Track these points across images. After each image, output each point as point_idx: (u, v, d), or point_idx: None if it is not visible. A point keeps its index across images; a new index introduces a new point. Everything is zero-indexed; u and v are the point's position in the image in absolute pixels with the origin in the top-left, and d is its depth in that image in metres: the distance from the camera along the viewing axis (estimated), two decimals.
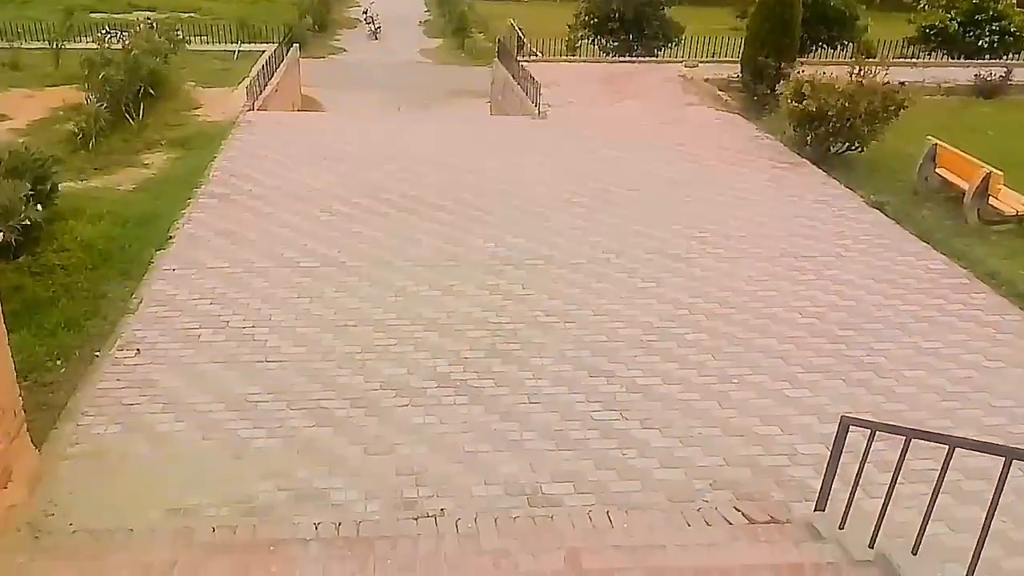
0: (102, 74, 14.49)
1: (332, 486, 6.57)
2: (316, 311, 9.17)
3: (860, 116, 14.68)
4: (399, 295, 9.62)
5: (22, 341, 8.10)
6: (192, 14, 30.18)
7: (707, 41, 23.97)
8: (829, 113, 14.66)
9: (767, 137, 16.51)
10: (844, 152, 15.33)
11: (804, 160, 15.16)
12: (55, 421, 7.20)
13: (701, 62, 22.32)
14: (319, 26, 33.76)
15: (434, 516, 6.29)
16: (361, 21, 36.39)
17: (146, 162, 13.72)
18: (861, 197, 13.44)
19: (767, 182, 13.94)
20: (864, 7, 24.20)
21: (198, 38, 22.74)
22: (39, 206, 9.31)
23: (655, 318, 9.44)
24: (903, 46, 25.06)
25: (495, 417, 7.57)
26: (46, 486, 6.35)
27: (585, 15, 23.25)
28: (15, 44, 19.61)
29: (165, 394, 7.61)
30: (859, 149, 15.25)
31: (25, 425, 6.38)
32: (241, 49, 21.84)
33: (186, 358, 8.18)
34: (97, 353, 8.22)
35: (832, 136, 15.05)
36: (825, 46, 23.89)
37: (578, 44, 24.75)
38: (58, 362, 8.06)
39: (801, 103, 14.82)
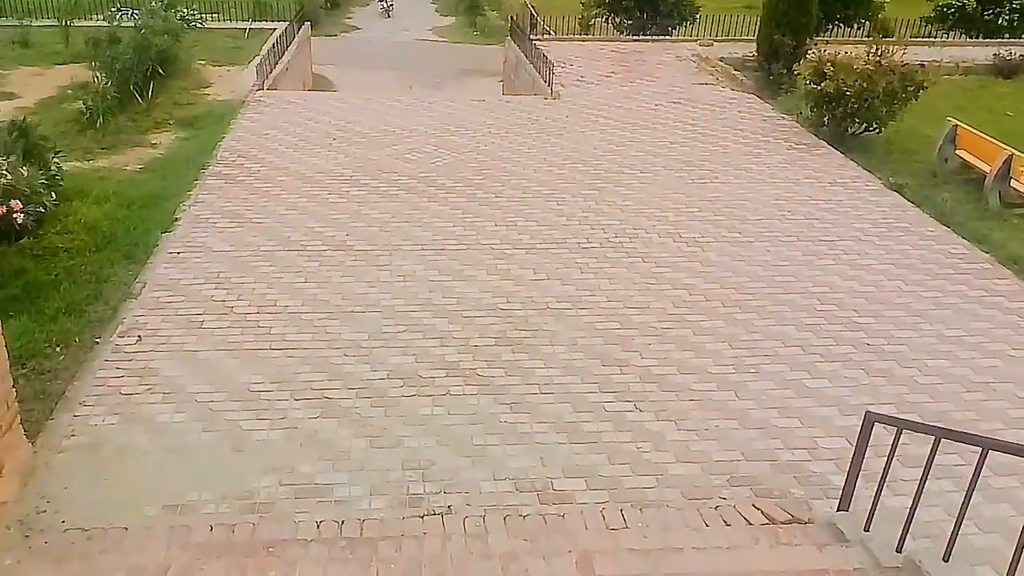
0: (109, 52, 14.08)
1: (336, 481, 6.26)
2: (322, 296, 8.84)
3: (878, 96, 14.23)
4: (408, 280, 9.28)
5: (22, 327, 7.86)
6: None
7: (721, 19, 23.45)
8: (847, 93, 14.20)
9: (783, 118, 16.03)
10: (862, 133, 14.87)
11: (821, 142, 14.68)
12: (52, 411, 6.91)
13: (716, 41, 21.79)
14: (332, 4, 33.27)
15: (441, 514, 5.98)
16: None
17: (154, 142, 13.39)
18: (879, 179, 12.99)
19: (783, 164, 13.50)
20: None
21: (209, 16, 22.30)
22: (53, 193, 9.01)
23: (669, 304, 9.08)
24: (920, 25, 24.42)
25: (505, 408, 7.24)
26: (39, 480, 6.06)
27: None
28: (24, 21, 19.23)
29: (165, 383, 7.31)
30: (877, 130, 14.79)
31: (19, 417, 6.10)
32: (252, 27, 21.42)
33: (188, 345, 7.87)
34: (98, 340, 7.93)
35: (850, 117, 14.58)
36: (841, 25, 23.31)
37: (591, 22, 24.21)
38: (57, 349, 7.76)
39: (820, 83, 14.34)
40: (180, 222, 10.37)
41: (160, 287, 8.86)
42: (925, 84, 14.19)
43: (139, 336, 7.95)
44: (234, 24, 22.13)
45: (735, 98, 17.21)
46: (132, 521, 5.72)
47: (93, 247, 9.54)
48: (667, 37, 22.44)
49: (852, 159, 13.88)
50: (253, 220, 10.51)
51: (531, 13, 26.29)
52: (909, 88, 14.31)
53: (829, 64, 14.45)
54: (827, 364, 8.18)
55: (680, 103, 16.57)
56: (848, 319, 8.97)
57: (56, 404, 7.01)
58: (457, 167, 12.61)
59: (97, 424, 6.79)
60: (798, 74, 17.63)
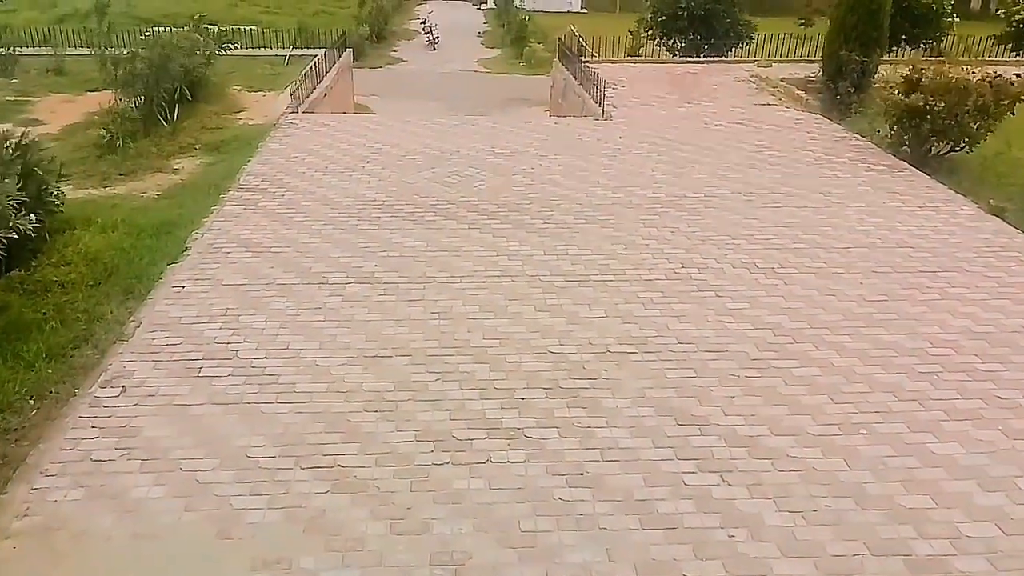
0: (124, 70, 12.85)
1: None
2: (343, 338, 7.38)
3: (968, 111, 12.53)
4: (443, 318, 7.79)
5: None
6: (252, 27, 28.93)
7: (777, 41, 21.87)
8: (934, 108, 12.51)
9: (856, 138, 14.34)
10: (947, 154, 13.16)
11: (902, 162, 12.99)
12: (6, 482, 5.50)
13: (774, 62, 20.20)
14: (377, 36, 32.32)
15: None
16: (419, 32, 34.99)
17: (176, 167, 12.13)
18: (976, 203, 11.26)
19: (863, 186, 11.82)
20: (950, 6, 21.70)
21: (250, 48, 21.30)
22: (32, 215, 7.66)
23: (752, 348, 7.47)
24: (990, 43, 22.59)
25: (559, 481, 5.68)
26: None
27: (652, 14, 21.23)
28: (59, 50, 18.28)
29: (147, 446, 5.86)
30: (965, 149, 13.06)
31: None
32: (292, 53, 20.32)
33: (180, 398, 6.42)
34: (77, 391, 6.53)
35: (935, 135, 12.89)
36: (906, 46, 21.56)
37: (642, 46, 22.78)
38: (31, 401, 6.39)
39: (908, 96, 12.64)
40: (189, 252, 9.01)
41: (157, 327, 7.46)
42: (1022, 97, 12.45)
43: (123, 387, 6.54)
44: (276, 52, 21.06)
45: (801, 118, 15.56)
46: None
47: (91, 281, 8.21)
48: (722, 59, 20.88)
49: (940, 181, 12.16)
50: (271, 249, 9.11)
51: (579, 40, 24.94)
52: (1003, 102, 12.59)
53: (921, 73, 12.79)
54: (953, 423, 6.50)
55: (742, 124, 14.97)
56: (969, 366, 7.26)
57: (14, 473, 5.62)
58: (501, 191, 11.14)
59: (57, 500, 5.36)
60: (867, 92, 16.08)
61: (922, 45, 21.38)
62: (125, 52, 13.22)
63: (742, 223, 10.31)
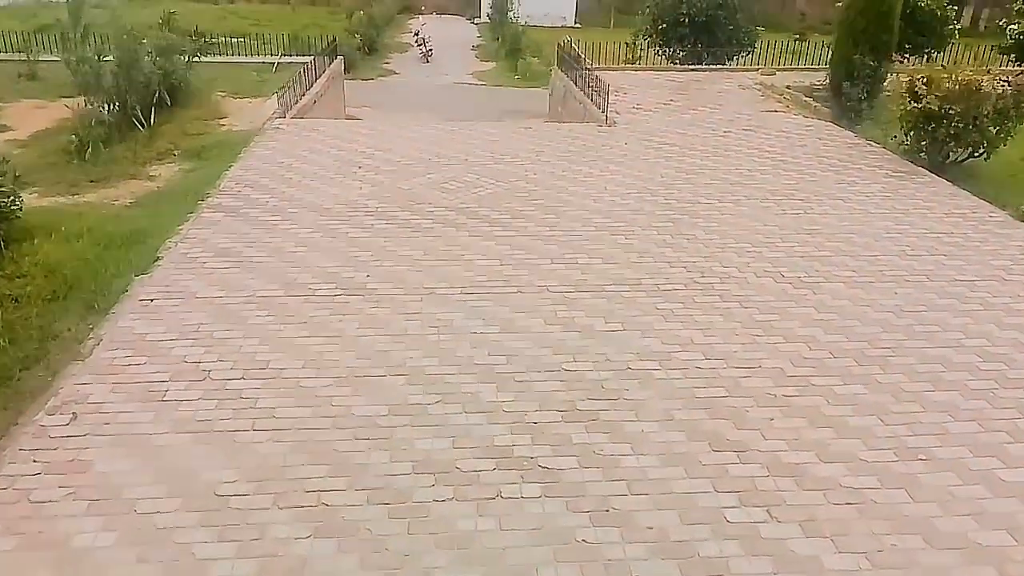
0: (91, 70, 11.97)
1: None
2: (331, 355, 6.52)
3: (987, 115, 11.82)
4: (443, 332, 6.95)
5: None
6: (242, 39, 28.14)
7: (778, 49, 21.24)
8: (950, 111, 11.81)
9: (870, 144, 13.60)
10: (964, 160, 12.44)
11: (920, 169, 12.25)
12: None
13: (778, 70, 19.52)
14: (369, 49, 31.54)
15: None
16: (412, 45, 34.25)
17: (153, 174, 11.28)
18: (1003, 209, 10.52)
19: (884, 193, 11.06)
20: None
21: (237, 55, 20.54)
22: None
23: (787, 363, 6.65)
24: (991, 53, 21.97)
25: (582, 519, 4.84)
26: None
27: (652, 21, 20.52)
28: (32, 56, 17.38)
29: (97, 484, 4.99)
30: (984, 155, 12.33)
31: None
32: (281, 61, 19.52)
33: (140, 426, 5.56)
34: (19, 419, 5.66)
35: (953, 139, 12.17)
36: (908, 55, 20.90)
37: (638, 57, 22.08)
38: None
39: (920, 100, 11.94)
40: (161, 262, 8.15)
41: (119, 344, 6.58)
42: None
43: (74, 413, 5.66)
44: (264, 59, 20.26)
45: (811, 125, 14.82)
46: None
47: (48, 294, 7.35)
48: (723, 67, 20.17)
49: (962, 188, 11.42)
50: (252, 259, 8.26)
51: (575, 51, 24.23)
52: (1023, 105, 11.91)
53: (921, 80, 12.11)
54: (1019, 446, 5.71)
55: (751, 130, 14.21)
56: None
57: None
58: (503, 197, 10.32)
59: None
60: (877, 98, 15.40)
61: (925, 54, 20.74)
62: (90, 53, 12.31)
63: (762, 230, 9.53)
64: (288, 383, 6.11)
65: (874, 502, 5.08)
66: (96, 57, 12.11)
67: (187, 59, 14.53)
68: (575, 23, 45.69)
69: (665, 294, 7.82)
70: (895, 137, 13.01)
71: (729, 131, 14.06)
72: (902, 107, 12.48)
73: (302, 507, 4.85)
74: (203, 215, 9.39)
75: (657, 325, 7.20)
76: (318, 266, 8.13)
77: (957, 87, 11.76)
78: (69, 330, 6.85)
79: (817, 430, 5.80)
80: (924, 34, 20.23)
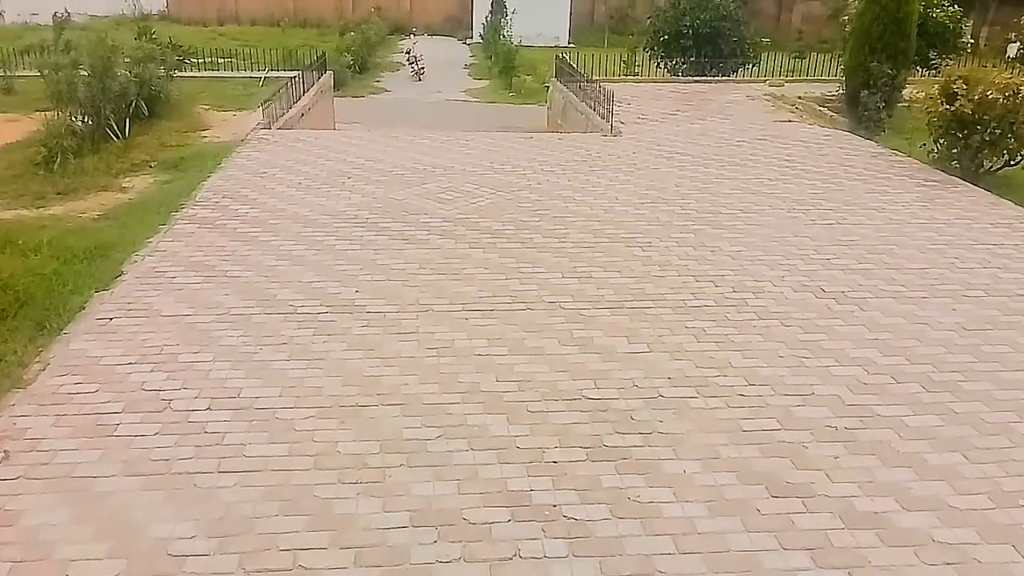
0: (63, 78, 11.07)
1: None
2: (312, 381, 5.59)
3: None
4: (443, 355, 6.03)
5: None
6: (231, 59, 27.35)
7: (779, 63, 20.56)
8: (985, 117, 11.01)
9: (894, 153, 12.79)
10: (1000, 169, 11.63)
11: (953, 178, 11.42)
12: None
13: (786, 81, 18.78)
14: (360, 67, 30.81)
15: None
16: (404, 64, 33.55)
17: (125, 185, 10.35)
18: None
19: (921, 203, 10.20)
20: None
21: (223, 70, 19.72)
22: None
23: (844, 390, 5.74)
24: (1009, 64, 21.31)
25: None
26: None
27: (653, 33, 19.77)
28: (9, 70, 16.48)
29: (23, 541, 4.03)
30: (1021, 163, 11.54)
31: None
32: (268, 75, 18.67)
33: (83, 467, 4.60)
34: None
35: (988, 147, 11.36)
36: (919, 67, 20.20)
37: (637, 68, 21.32)
38: None
39: (954, 102, 11.14)
40: (124, 278, 7.22)
41: (68, 369, 5.63)
42: None
43: (6, 452, 4.70)
44: (251, 74, 19.42)
45: (829, 135, 14.01)
46: None
47: None
48: (728, 79, 19.40)
49: (1003, 197, 10.59)
50: (228, 273, 7.34)
51: (570, 65, 23.51)
52: None
53: (959, 81, 11.32)
54: None
55: (767, 139, 13.39)
56: None
57: None
58: (505, 207, 9.44)
59: None
60: (890, 110, 14.64)
61: (935, 68, 20.02)
62: (65, 61, 11.42)
63: (792, 241, 8.65)
64: (262, 415, 5.17)
65: (977, 561, 4.14)
66: (71, 66, 11.21)
67: (167, 70, 13.62)
68: (569, 43, 45.15)
69: (693, 311, 6.91)
70: (923, 145, 12.18)
71: (743, 141, 13.23)
72: (932, 111, 11.68)
73: (274, 570, 3.90)
74: (175, 227, 8.47)
75: (688, 346, 6.29)
76: (300, 281, 7.21)
77: (993, 91, 10.98)
78: (15, 353, 5.89)
79: (892, 470, 4.87)
80: (935, 46, 19.56)
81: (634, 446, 4.98)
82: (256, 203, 9.28)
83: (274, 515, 4.27)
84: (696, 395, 5.59)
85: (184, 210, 9.00)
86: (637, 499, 4.51)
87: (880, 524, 4.40)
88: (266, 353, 5.95)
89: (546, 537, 4.20)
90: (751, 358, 6.14)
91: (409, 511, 4.35)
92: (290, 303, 6.78)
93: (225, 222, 8.64)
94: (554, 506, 4.43)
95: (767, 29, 20.40)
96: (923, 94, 12.15)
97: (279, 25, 40.99)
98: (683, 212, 9.49)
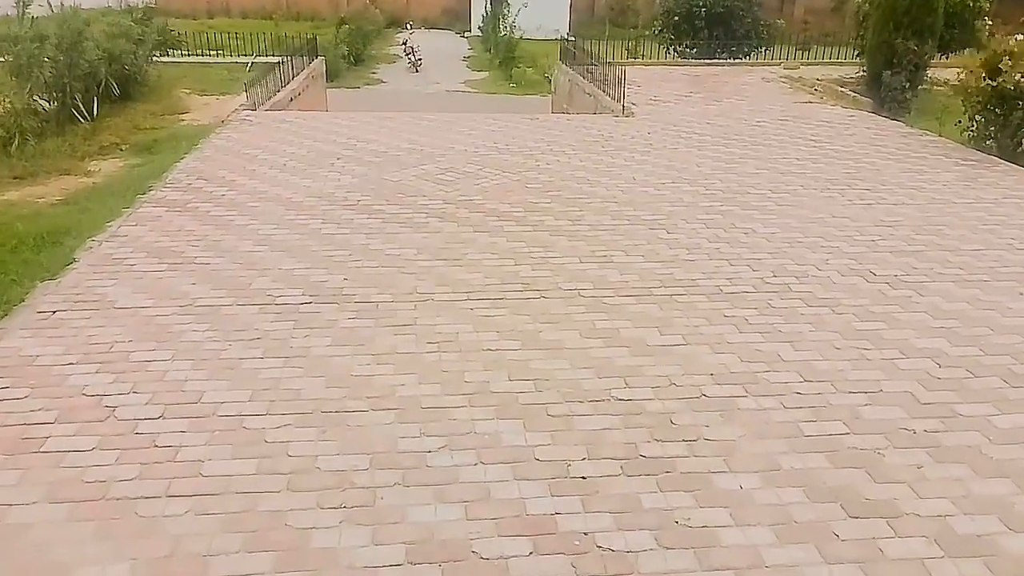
0: (25, 51, 10.13)
1: None
2: (290, 383, 4.72)
3: None
4: (445, 350, 5.16)
5: None
6: (219, 51, 26.46)
7: (791, 51, 19.71)
8: None
9: (925, 133, 11.93)
10: None
11: (991, 157, 10.56)
12: None
13: (802, 64, 17.93)
14: (355, 58, 29.94)
15: None
16: (401, 56, 32.69)
17: (91, 169, 9.46)
18: None
19: (963, 182, 9.34)
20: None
21: (208, 55, 18.81)
22: None
23: (915, 386, 4.88)
24: None
25: None
26: None
27: (664, 13, 18.89)
28: None
29: None
30: None
31: None
32: (256, 60, 17.76)
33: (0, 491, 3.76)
34: None
35: None
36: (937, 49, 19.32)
37: (641, 51, 20.45)
38: None
39: (997, 77, 10.30)
40: (76, 265, 6.35)
41: None
42: None
43: None
44: (238, 59, 18.52)
45: (853, 115, 13.13)
46: None
47: None
48: (742, 62, 18.52)
49: None
50: (196, 259, 6.46)
51: (576, 47, 22.64)
52: None
53: (1006, 53, 10.49)
54: None
55: (788, 120, 12.52)
56: None
57: None
58: (512, 189, 8.56)
59: None
60: (914, 90, 13.81)
61: (951, 51, 19.12)
62: (25, 32, 10.49)
63: (831, 222, 7.79)
64: (226, 423, 4.29)
65: None
66: (34, 39, 10.27)
67: (145, 50, 12.70)
68: (569, 35, 44.34)
69: (731, 298, 6.05)
70: (958, 122, 11.34)
71: (763, 121, 12.36)
72: (971, 86, 10.84)
73: None
74: (141, 210, 7.58)
75: (730, 337, 5.43)
76: (280, 268, 6.33)
77: None
78: None
79: (987, 482, 4.01)
80: (953, 26, 18.68)
81: (678, 456, 4.12)
82: (234, 185, 8.40)
83: (235, 551, 3.41)
84: (745, 394, 4.72)
85: (152, 192, 8.12)
86: (687, 523, 3.65)
87: (986, 550, 3.54)
88: (236, 350, 5.08)
89: (577, 574, 3.35)
90: (804, 350, 5.27)
91: (405, 543, 3.48)
92: (267, 292, 5.91)
93: (197, 205, 7.76)
94: (585, 534, 3.57)
95: (770, 21, 19.48)
96: (963, 68, 11.31)
97: (272, 18, 40.10)
98: (708, 192, 8.63)
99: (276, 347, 5.14)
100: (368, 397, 4.59)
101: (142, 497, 3.73)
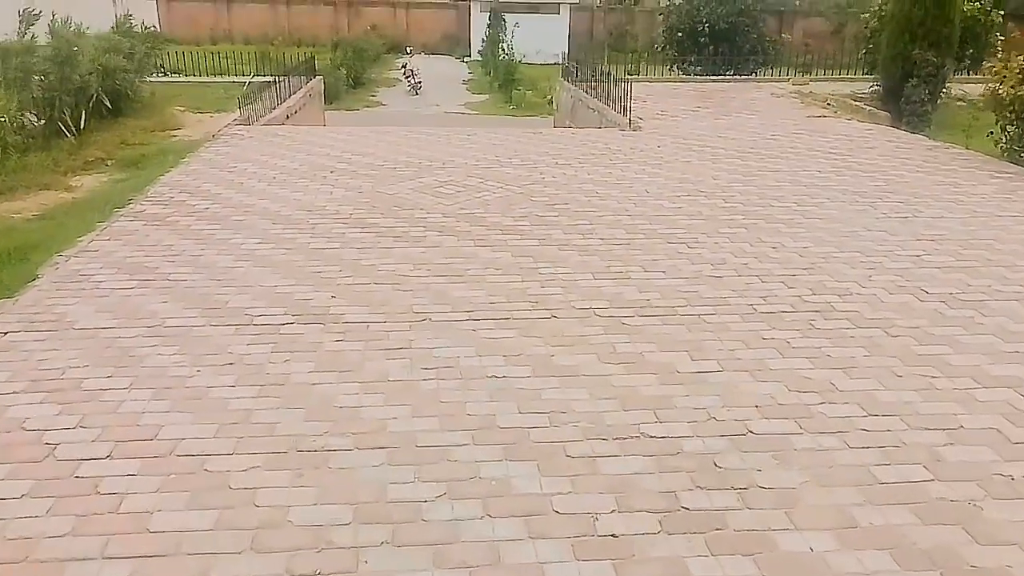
0: (16, 63, 9.49)
1: None
2: (262, 416, 3.96)
3: None
4: (444, 377, 4.40)
5: None
6: (217, 78, 25.93)
7: (800, 65, 19.10)
8: None
9: (951, 146, 11.22)
10: None
11: None
12: None
13: (811, 80, 17.29)
14: (355, 80, 29.43)
15: None
16: (401, 79, 32.21)
17: (73, 184, 8.75)
18: None
19: (1001, 195, 8.62)
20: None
21: (205, 76, 18.24)
22: None
23: (1001, 421, 4.11)
24: None
25: None
26: None
27: (667, 30, 18.30)
28: None
29: None
30: None
31: None
32: (254, 80, 17.14)
33: None
34: None
35: None
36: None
37: (638, 68, 19.87)
38: None
39: None
40: (38, 282, 5.61)
41: None
42: None
43: None
44: (235, 79, 17.91)
45: (871, 129, 12.45)
46: None
47: None
48: (748, 78, 17.87)
49: None
50: (170, 276, 5.72)
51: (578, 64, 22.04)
52: None
53: None
54: None
55: (803, 133, 11.82)
56: None
57: None
58: (516, 202, 7.84)
59: None
60: (935, 102, 13.17)
61: (965, 68, 18.48)
62: (20, 45, 9.84)
63: (866, 236, 7.06)
64: (184, 465, 3.54)
65: None
66: (26, 51, 9.62)
67: (137, 66, 12.05)
68: (569, 61, 43.91)
69: (767, 318, 5.30)
70: (991, 133, 10.64)
71: (777, 135, 11.66)
72: (1007, 94, 10.16)
73: None
74: (116, 224, 6.86)
75: (772, 362, 4.67)
76: (262, 285, 5.59)
77: None
78: None
79: None
80: (967, 40, 18.06)
81: (728, 509, 3.35)
82: (218, 198, 7.68)
83: None
84: (800, 430, 3.96)
85: (131, 206, 7.40)
86: None
87: None
88: (204, 377, 4.33)
89: None
90: (860, 378, 4.51)
91: None
92: (245, 312, 5.16)
93: (177, 219, 7.03)
94: None
95: (775, 37, 18.89)
96: (998, 73, 10.61)
97: (273, 44, 39.68)
98: (727, 206, 7.90)
99: (250, 373, 4.39)
100: (354, 433, 3.83)
101: (74, 559, 2.97)
